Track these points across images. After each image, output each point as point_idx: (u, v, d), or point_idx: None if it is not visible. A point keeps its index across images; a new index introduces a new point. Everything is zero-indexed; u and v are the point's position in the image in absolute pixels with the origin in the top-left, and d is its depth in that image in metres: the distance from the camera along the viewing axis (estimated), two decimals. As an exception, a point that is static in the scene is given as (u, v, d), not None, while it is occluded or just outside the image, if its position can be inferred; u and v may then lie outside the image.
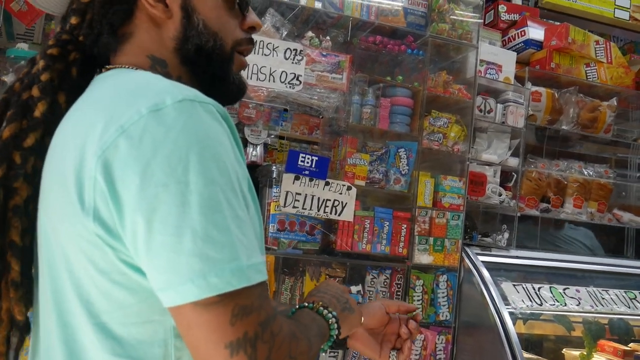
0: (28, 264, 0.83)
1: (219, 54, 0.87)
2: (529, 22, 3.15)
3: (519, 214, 2.91)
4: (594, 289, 2.86)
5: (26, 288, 0.81)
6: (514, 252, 2.88)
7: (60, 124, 0.80)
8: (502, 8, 3.24)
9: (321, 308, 0.98)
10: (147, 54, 0.84)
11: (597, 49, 3.19)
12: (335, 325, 0.98)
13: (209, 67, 0.87)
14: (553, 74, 3.10)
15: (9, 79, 2.06)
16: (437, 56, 2.86)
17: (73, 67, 0.84)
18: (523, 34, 3.14)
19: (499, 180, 2.94)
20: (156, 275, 0.66)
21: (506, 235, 2.89)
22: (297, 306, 1.01)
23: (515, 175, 2.94)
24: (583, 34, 3.13)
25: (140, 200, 0.65)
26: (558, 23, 3.27)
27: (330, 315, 0.98)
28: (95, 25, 0.84)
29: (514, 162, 2.94)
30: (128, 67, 0.83)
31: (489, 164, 2.92)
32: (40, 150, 0.81)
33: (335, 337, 0.99)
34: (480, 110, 2.89)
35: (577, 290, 2.79)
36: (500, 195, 2.90)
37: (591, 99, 3.17)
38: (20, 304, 0.81)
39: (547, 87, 3.09)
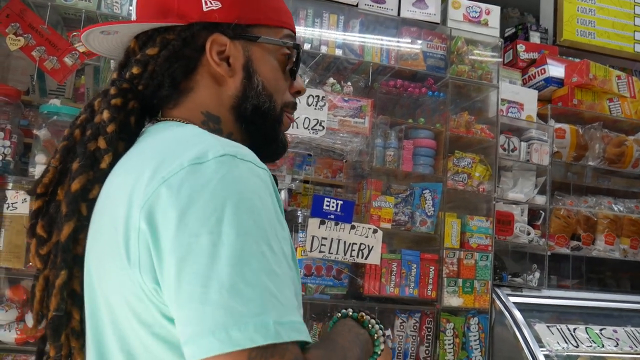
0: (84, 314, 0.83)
1: (272, 115, 0.90)
2: (548, 60, 3.16)
3: (549, 253, 2.85)
4: (632, 328, 2.76)
5: (84, 338, 0.82)
6: (546, 292, 2.82)
7: (110, 173, 0.82)
8: (520, 47, 3.27)
9: (367, 318, 0.94)
10: (202, 110, 0.87)
11: (619, 84, 3.18)
12: (382, 339, 0.94)
13: (263, 127, 0.90)
14: (576, 111, 3.09)
15: (41, 133, 2.13)
16: (458, 97, 2.88)
17: (132, 116, 0.86)
18: (543, 72, 3.15)
19: (526, 218, 2.91)
20: (181, 328, 0.64)
21: (537, 274, 2.83)
22: (340, 313, 0.96)
23: (543, 214, 2.91)
24: (604, 70, 3.13)
25: (173, 248, 0.65)
26: (578, 60, 3.28)
27: (376, 327, 0.94)
28: (156, 77, 0.85)
29: (541, 200, 2.90)
30: (179, 121, 0.86)
31: (516, 202, 2.89)
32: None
33: (378, 354, 0.93)
34: (504, 149, 2.88)
35: (615, 331, 2.70)
36: (528, 234, 2.86)
37: (616, 134, 3.14)
38: (82, 354, 0.81)
39: (570, 123, 3.08)
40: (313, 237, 2.41)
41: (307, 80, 2.58)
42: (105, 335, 0.75)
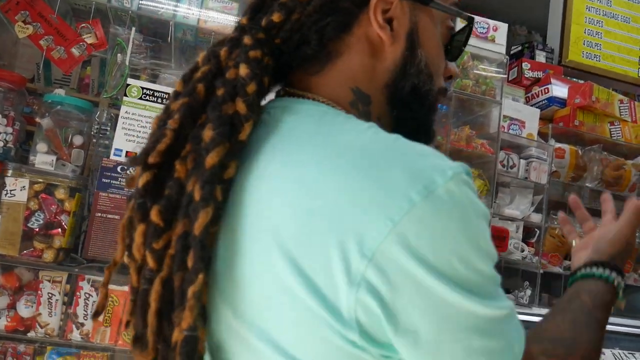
0: None
1: (430, 99, 0.72)
2: (552, 80, 3.18)
3: (542, 271, 2.86)
4: (620, 351, 2.78)
5: None
6: (536, 310, 2.82)
7: (248, 156, 0.62)
8: (525, 65, 3.29)
9: (601, 270, 0.84)
10: (352, 86, 0.68)
11: (621, 108, 3.20)
12: (623, 285, 0.83)
13: (419, 113, 0.73)
14: (577, 132, 3.10)
15: (44, 122, 2.14)
16: (460, 111, 2.90)
17: (266, 75, 0.65)
18: (547, 91, 3.17)
19: (521, 235, 2.92)
20: None
21: (529, 292, 2.84)
22: (572, 276, 0.86)
23: (538, 232, 2.92)
24: (607, 93, 3.15)
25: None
26: (582, 81, 3.30)
27: (613, 275, 0.83)
28: (300, 30, 0.67)
29: (536, 218, 2.91)
30: (322, 102, 0.67)
31: (512, 219, 2.90)
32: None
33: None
34: (503, 165, 2.89)
35: (603, 353, 2.71)
36: (522, 251, 2.87)
37: (615, 157, 3.16)
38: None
39: (570, 144, 3.10)
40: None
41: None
42: None
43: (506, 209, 2.90)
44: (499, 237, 2.83)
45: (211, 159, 0.58)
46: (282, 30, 0.67)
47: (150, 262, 0.60)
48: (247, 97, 0.61)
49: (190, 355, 0.56)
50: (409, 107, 0.71)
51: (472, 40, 2.88)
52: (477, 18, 2.82)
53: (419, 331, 0.53)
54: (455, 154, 2.76)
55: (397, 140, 0.58)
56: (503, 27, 2.95)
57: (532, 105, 3.17)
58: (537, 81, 3.27)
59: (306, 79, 0.70)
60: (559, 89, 3.18)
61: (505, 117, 2.94)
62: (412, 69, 0.70)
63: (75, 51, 2.29)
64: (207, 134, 0.60)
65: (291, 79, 0.72)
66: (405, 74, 0.70)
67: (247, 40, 0.65)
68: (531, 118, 3.04)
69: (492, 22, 2.92)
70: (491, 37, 2.90)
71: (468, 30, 0.77)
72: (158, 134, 0.63)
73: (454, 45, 0.77)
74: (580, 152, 3.09)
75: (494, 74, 2.91)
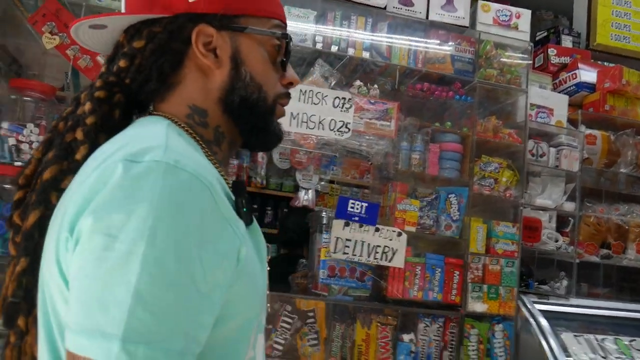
0: None
1: (262, 106, 0.89)
2: (580, 65, 3.11)
3: (577, 261, 2.80)
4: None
5: None
6: (574, 301, 2.76)
7: None
8: (551, 51, 3.22)
9: None
10: (189, 104, 0.85)
11: (653, 90, 3.11)
12: None
13: (251, 118, 0.89)
14: (608, 117, 3.03)
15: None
16: (486, 101, 2.86)
17: (116, 109, 0.83)
18: (574, 76, 3.10)
19: (555, 225, 2.86)
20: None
21: (565, 282, 2.78)
22: None
23: (572, 220, 2.85)
24: (638, 75, 3.06)
25: (79, 253, 0.65)
26: (611, 65, 3.22)
27: None
28: (143, 71, 0.84)
29: (570, 206, 2.85)
30: (163, 116, 0.84)
31: (544, 209, 2.85)
32: None
33: None
34: (533, 155, 2.84)
35: None
36: (556, 241, 2.81)
37: (650, 141, 3.07)
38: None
39: (602, 129, 3.02)
40: (337, 238, 2.42)
41: (333, 82, 2.59)
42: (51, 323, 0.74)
43: (538, 199, 2.85)
44: (532, 228, 2.78)
45: (46, 174, 0.79)
46: (129, 72, 0.84)
47: (12, 251, 0.82)
48: (85, 127, 0.80)
49: (12, 316, 0.78)
50: (241, 114, 0.88)
51: (495, 29, 2.84)
52: (498, 6, 2.79)
53: None
54: (482, 145, 2.73)
55: (162, 135, 0.75)
56: (526, 14, 2.89)
57: (560, 92, 3.10)
58: (564, 67, 3.20)
59: (157, 107, 0.87)
60: (588, 74, 3.10)
61: (532, 105, 2.89)
62: (239, 84, 0.86)
63: (100, 59, 2.34)
64: (49, 155, 0.81)
65: (152, 107, 0.89)
66: (234, 88, 0.86)
67: (97, 83, 0.84)
68: (559, 105, 2.97)
69: (514, 10, 2.87)
70: (514, 25, 2.86)
71: (286, 45, 0.92)
72: (27, 162, 0.86)
73: (284, 57, 0.92)
74: (612, 137, 3.01)
75: (519, 62, 2.86)
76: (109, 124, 0.82)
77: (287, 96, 0.94)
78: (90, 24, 0.87)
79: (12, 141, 2.15)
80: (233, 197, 0.79)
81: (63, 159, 0.80)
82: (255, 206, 4.04)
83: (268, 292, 0.92)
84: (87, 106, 0.82)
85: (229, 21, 0.86)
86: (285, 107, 0.96)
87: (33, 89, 2.16)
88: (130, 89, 0.85)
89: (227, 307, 0.70)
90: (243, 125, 0.89)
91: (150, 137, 0.73)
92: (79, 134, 0.80)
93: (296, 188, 3.12)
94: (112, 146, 0.73)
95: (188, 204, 0.66)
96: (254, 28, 0.88)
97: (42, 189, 0.79)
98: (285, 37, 0.91)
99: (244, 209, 0.78)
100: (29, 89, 2.27)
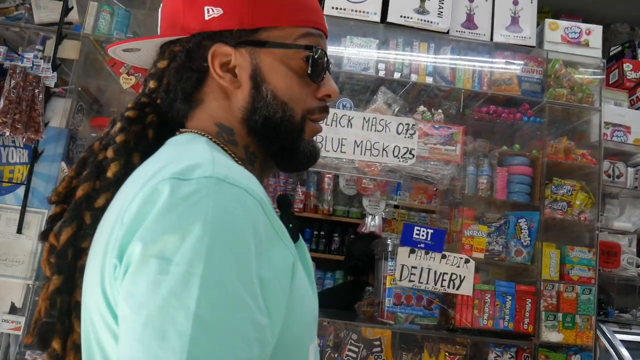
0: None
1: (288, 125, 0.83)
2: (659, 80, 2.96)
3: (662, 288, 2.64)
4: None
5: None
6: (659, 330, 2.60)
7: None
8: (627, 67, 3.08)
9: None
10: (215, 122, 0.83)
11: None
12: None
13: (277, 139, 0.83)
14: (692, 133, 2.85)
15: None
16: (556, 121, 2.77)
17: (149, 129, 0.83)
18: (653, 92, 2.95)
19: (635, 249, 2.71)
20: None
21: (648, 310, 2.63)
22: None
23: (655, 244, 2.70)
24: None
25: (130, 278, 0.62)
26: (694, 78, 3.04)
27: None
28: (171, 90, 0.84)
29: (652, 230, 2.70)
30: (197, 133, 0.82)
31: (623, 232, 2.71)
32: None
33: None
34: (609, 176, 2.72)
35: None
36: (637, 266, 2.66)
37: None
38: None
39: (686, 147, 2.85)
40: (403, 265, 2.40)
41: (397, 109, 2.59)
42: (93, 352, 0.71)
43: (615, 222, 2.72)
44: (610, 253, 2.65)
45: (78, 192, 0.78)
46: (159, 92, 0.85)
47: (47, 271, 0.79)
48: (114, 145, 0.79)
49: (45, 337, 0.75)
50: (266, 135, 0.83)
51: (564, 47, 2.76)
52: (567, 23, 2.71)
53: None
54: (553, 167, 2.64)
55: (205, 150, 0.73)
56: (597, 30, 2.79)
57: (637, 109, 2.95)
58: (641, 82, 3.05)
59: (186, 125, 0.86)
60: (668, 89, 2.95)
61: (607, 123, 2.77)
62: (261, 103, 0.81)
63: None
64: (83, 174, 0.80)
65: (184, 124, 0.88)
66: (255, 108, 0.81)
67: (130, 104, 0.84)
68: (637, 122, 2.84)
69: (584, 26, 2.78)
70: (584, 42, 2.76)
71: (313, 56, 0.84)
72: (61, 180, 0.86)
73: (313, 70, 0.84)
74: (697, 155, 2.83)
75: (591, 80, 2.76)
76: (142, 143, 0.82)
77: (322, 111, 0.87)
78: (124, 48, 0.88)
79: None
80: (278, 213, 0.75)
81: (95, 177, 0.79)
82: (322, 232, 4.07)
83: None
84: (118, 126, 0.82)
85: (247, 37, 0.81)
86: (324, 118, 0.89)
87: (111, 126, 2.31)
88: (162, 109, 0.85)
89: (283, 326, 0.67)
90: (269, 146, 0.85)
91: (194, 153, 0.71)
92: (110, 152, 0.79)
93: (363, 214, 3.14)
94: (152, 166, 0.71)
95: (243, 220, 0.63)
96: (276, 42, 0.82)
97: (74, 206, 0.78)
98: (310, 48, 0.83)
99: (290, 225, 0.75)
100: (108, 126, 2.42)
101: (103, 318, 0.67)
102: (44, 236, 0.82)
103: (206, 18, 0.80)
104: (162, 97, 0.85)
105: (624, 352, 2.41)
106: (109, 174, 0.78)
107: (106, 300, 0.66)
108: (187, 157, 0.68)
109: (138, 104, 0.84)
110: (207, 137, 0.81)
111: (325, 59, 0.86)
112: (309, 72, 0.84)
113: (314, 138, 0.89)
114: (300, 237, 0.81)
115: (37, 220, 2.39)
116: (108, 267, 0.65)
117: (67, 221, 0.77)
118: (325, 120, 0.94)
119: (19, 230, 2.36)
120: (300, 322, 0.72)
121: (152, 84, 0.85)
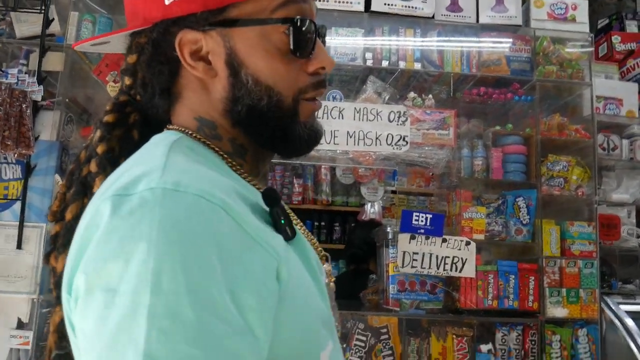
0: None
1: (276, 111, 0.73)
2: (648, 49, 2.96)
3: (663, 256, 2.65)
4: None
5: None
6: (660, 300, 2.61)
7: None
8: (615, 39, 3.08)
9: None
10: (195, 116, 0.74)
11: None
12: None
13: (266, 128, 0.74)
14: (684, 101, 2.85)
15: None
16: (548, 98, 2.77)
17: (133, 129, 0.75)
18: (643, 62, 2.95)
19: (634, 220, 2.72)
20: None
21: (651, 280, 2.64)
22: None
23: (654, 214, 2.71)
24: None
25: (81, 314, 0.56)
26: (683, 45, 3.04)
27: None
28: (147, 84, 0.75)
29: (650, 199, 2.71)
30: (177, 130, 0.74)
31: (621, 204, 2.72)
32: None
33: None
34: (604, 149, 2.72)
35: None
36: (638, 237, 2.67)
37: None
38: None
39: (678, 115, 2.85)
40: (404, 252, 2.41)
41: (387, 97, 2.59)
42: None
43: (614, 195, 2.72)
44: (610, 225, 2.66)
45: (67, 215, 0.72)
46: (136, 88, 0.76)
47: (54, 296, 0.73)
48: (96, 157, 0.71)
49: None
50: (252, 125, 0.73)
51: (551, 24, 2.75)
52: (552, 0, 2.70)
53: None
54: (548, 144, 2.64)
55: (158, 149, 0.66)
56: (583, 4, 2.78)
57: (628, 80, 2.96)
58: (630, 53, 3.05)
59: (172, 119, 0.77)
60: (657, 58, 2.95)
61: (598, 97, 2.77)
62: (242, 91, 0.71)
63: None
64: (70, 193, 0.74)
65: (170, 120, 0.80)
66: (237, 97, 0.72)
67: (107, 106, 0.75)
68: (629, 94, 2.84)
69: (570, 1, 2.77)
70: (571, 17, 2.76)
71: (296, 27, 0.72)
72: (54, 197, 0.78)
73: (298, 45, 0.72)
74: (690, 122, 2.84)
75: (579, 55, 2.76)
76: (128, 148, 0.72)
77: (317, 86, 0.76)
78: (92, 43, 0.81)
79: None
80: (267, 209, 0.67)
81: (82, 194, 0.72)
82: (322, 223, 4.08)
83: (335, 309, 0.80)
84: (98, 134, 0.73)
85: (215, 17, 0.70)
86: (322, 102, 0.81)
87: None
88: (143, 105, 0.76)
89: (274, 340, 0.58)
90: (258, 136, 0.75)
91: (146, 161, 0.63)
92: (93, 166, 0.71)
93: (362, 203, 3.14)
94: (113, 176, 0.64)
95: (197, 232, 0.55)
96: (248, 19, 0.71)
97: (65, 231, 0.71)
98: (290, 20, 0.71)
99: (282, 220, 0.66)
100: (98, 135, 2.41)
101: (78, 351, 0.62)
102: (46, 259, 0.76)
103: (167, 3, 0.70)
104: (141, 93, 0.76)
105: (630, 322, 2.42)
106: (96, 188, 0.69)
107: (74, 333, 0.61)
108: (141, 165, 0.62)
109: (117, 105, 0.75)
110: (187, 133, 0.73)
111: (313, 27, 0.73)
112: (292, 47, 0.72)
113: (315, 114, 0.78)
114: (299, 232, 0.71)
115: (35, 234, 2.38)
116: (65, 300, 0.61)
117: (60, 248, 0.71)
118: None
119: (19, 246, 2.36)
120: (303, 330, 0.63)
121: (127, 81, 0.76)
